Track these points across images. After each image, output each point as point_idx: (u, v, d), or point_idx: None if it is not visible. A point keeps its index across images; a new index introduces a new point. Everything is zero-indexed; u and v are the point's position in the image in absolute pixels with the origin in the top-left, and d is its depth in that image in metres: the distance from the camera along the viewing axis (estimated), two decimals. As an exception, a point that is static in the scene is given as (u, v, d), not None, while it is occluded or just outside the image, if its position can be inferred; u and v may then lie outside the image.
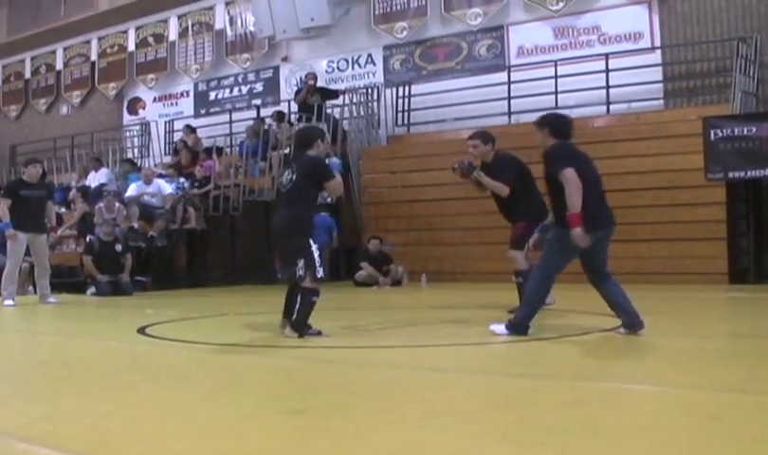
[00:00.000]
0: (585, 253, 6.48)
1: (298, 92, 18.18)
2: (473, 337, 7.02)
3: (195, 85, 21.73)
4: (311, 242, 6.87)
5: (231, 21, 20.92)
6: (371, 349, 6.55)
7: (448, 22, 17.74)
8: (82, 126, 23.08)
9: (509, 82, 16.11)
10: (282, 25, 18.21)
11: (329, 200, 14.41)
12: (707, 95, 14.68)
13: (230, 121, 19.92)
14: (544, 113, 7.22)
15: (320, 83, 18.22)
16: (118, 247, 13.36)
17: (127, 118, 23.05)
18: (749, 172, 12.67)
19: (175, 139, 20.21)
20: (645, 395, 4.42)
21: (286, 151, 16.52)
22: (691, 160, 12.98)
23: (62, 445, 3.43)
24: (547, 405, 4.20)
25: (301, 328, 6.76)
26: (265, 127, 18.00)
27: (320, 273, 6.84)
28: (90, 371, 5.69)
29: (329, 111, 17.48)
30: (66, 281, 13.71)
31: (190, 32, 21.66)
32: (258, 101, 20.23)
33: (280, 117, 17.89)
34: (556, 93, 15.33)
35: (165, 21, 22.16)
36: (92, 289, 13.21)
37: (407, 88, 17.56)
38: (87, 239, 13.76)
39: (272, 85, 20.35)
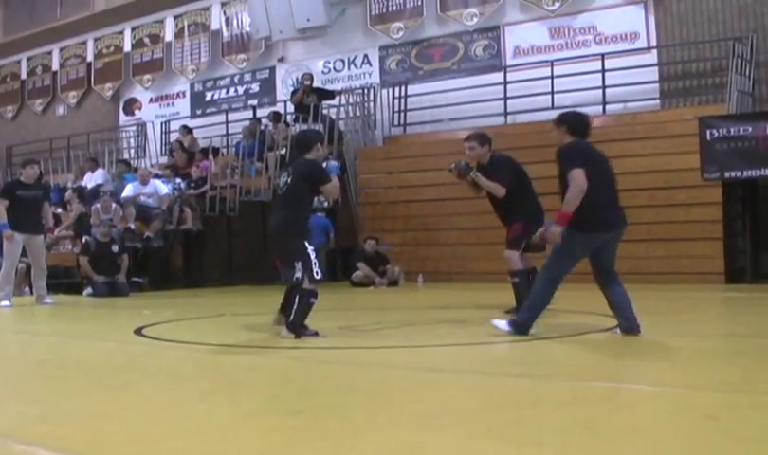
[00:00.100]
0: (595, 253, 6.48)
1: (294, 92, 18.18)
2: (470, 338, 7.03)
3: (192, 86, 21.71)
4: (306, 243, 6.89)
5: (227, 21, 20.90)
6: (368, 349, 6.55)
7: (444, 22, 17.74)
8: (78, 127, 23.04)
9: (505, 83, 16.11)
10: (278, 25, 18.19)
11: (326, 204, 14.42)
12: (703, 95, 14.70)
13: (227, 122, 19.89)
14: (563, 111, 7.18)
15: (316, 84, 18.22)
16: (115, 248, 13.35)
17: (123, 118, 23.01)
18: (745, 172, 12.69)
19: (172, 140, 20.17)
20: (642, 395, 4.42)
21: (283, 151, 16.54)
22: (687, 160, 12.99)
23: (59, 445, 3.43)
24: (545, 405, 4.21)
25: (298, 329, 6.76)
26: (262, 128, 18.01)
27: (318, 274, 6.87)
28: (87, 371, 5.69)
29: (325, 111, 17.47)
30: (63, 281, 13.69)
31: (186, 33, 21.63)
32: (254, 102, 20.20)
33: (276, 117, 17.89)
34: (552, 93, 15.33)
35: (161, 21, 22.13)
36: (88, 290, 13.20)
37: (403, 88, 17.55)
38: (83, 240, 13.74)
39: (268, 86, 20.34)
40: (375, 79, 18.38)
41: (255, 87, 20.57)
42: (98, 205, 14.62)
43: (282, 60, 20.11)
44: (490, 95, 16.18)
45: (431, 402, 4.30)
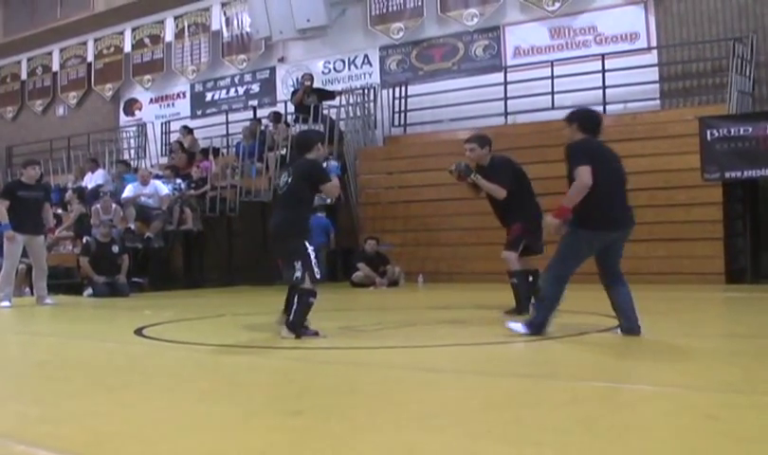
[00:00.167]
0: (601, 252, 6.46)
1: (294, 93, 18.19)
2: (471, 338, 7.04)
3: (192, 86, 21.72)
4: (306, 243, 6.90)
5: (228, 22, 20.91)
6: (368, 350, 6.55)
7: (444, 22, 17.74)
8: (78, 127, 23.05)
9: (505, 83, 16.12)
10: (278, 25, 18.20)
11: (328, 201, 14.42)
12: (704, 95, 14.70)
13: (227, 122, 19.91)
14: (574, 108, 7.18)
15: (316, 84, 18.23)
16: (115, 249, 13.35)
17: (123, 119, 23.02)
18: (745, 172, 12.69)
19: (172, 141, 20.18)
20: (642, 395, 4.42)
21: (283, 152, 16.54)
22: (688, 160, 13.00)
23: (59, 446, 3.43)
24: (545, 405, 4.21)
25: (298, 329, 6.77)
26: (262, 128, 18.01)
27: (318, 274, 6.89)
28: (87, 372, 5.69)
29: (326, 112, 17.48)
30: (63, 282, 13.69)
31: (186, 33, 21.63)
32: (254, 102, 20.20)
33: (276, 117, 17.89)
34: (552, 93, 15.34)
35: (161, 22, 22.14)
36: (89, 290, 13.20)
37: (403, 89, 17.56)
38: (84, 240, 13.74)
39: (269, 86, 20.35)
40: (376, 79, 18.39)
41: (255, 88, 20.58)
42: (98, 205, 14.63)
43: (282, 60, 20.12)
44: (490, 95, 16.19)
45: (432, 402, 4.30)
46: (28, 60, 25.26)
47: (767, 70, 14.16)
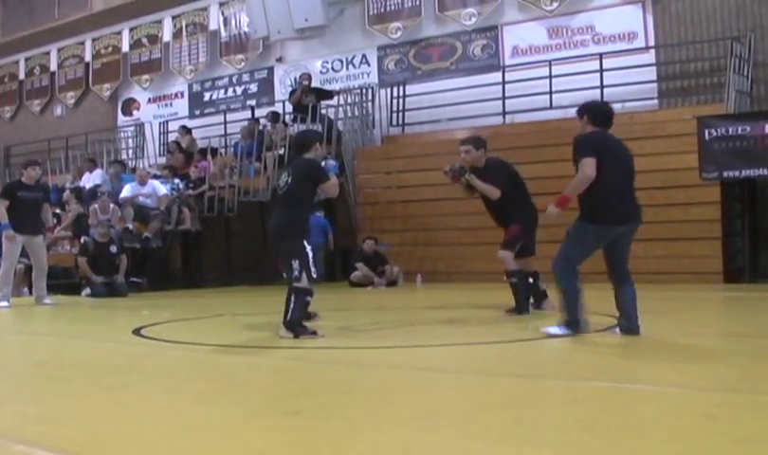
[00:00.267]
0: (608, 248, 6.44)
1: (292, 92, 18.19)
2: (469, 338, 7.04)
3: (190, 86, 21.71)
4: (305, 243, 6.93)
5: (226, 22, 20.91)
6: (367, 349, 6.55)
7: (442, 22, 17.75)
8: (76, 127, 23.04)
9: (504, 82, 16.13)
10: (276, 25, 18.20)
11: (323, 196, 14.42)
12: (702, 94, 14.70)
13: (225, 122, 19.89)
14: (585, 101, 7.17)
15: (314, 84, 18.23)
16: (113, 249, 13.34)
17: (121, 119, 23.02)
18: (743, 172, 12.70)
19: (170, 140, 20.18)
20: (641, 395, 4.43)
21: (281, 151, 16.54)
22: (686, 160, 13.00)
23: (58, 446, 3.42)
24: (544, 404, 4.21)
25: (296, 328, 6.79)
26: (260, 128, 18.01)
27: (315, 274, 6.95)
28: (86, 372, 5.69)
29: (324, 111, 17.48)
30: (61, 282, 13.69)
31: (184, 33, 21.63)
32: (252, 102, 20.21)
33: (274, 117, 17.89)
34: (550, 93, 15.36)
35: (159, 22, 22.14)
36: (87, 290, 13.20)
37: (401, 88, 17.56)
38: (82, 240, 13.75)
39: (267, 86, 20.35)
40: (374, 79, 18.39)
41: (253, 87, 20.58)
42: (96, 205, 14.62)
43: (280, 60, 20.12)
44: (488, 95, 16.20)
45: (430, 402, 4.30)
46: (26, 60, 25.26)
47: (765, 70, 14.17)
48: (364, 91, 17.82)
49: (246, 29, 20.21)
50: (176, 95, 22.01)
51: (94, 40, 23.45)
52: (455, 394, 4.58)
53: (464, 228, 14.59)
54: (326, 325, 7.54)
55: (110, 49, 23.15)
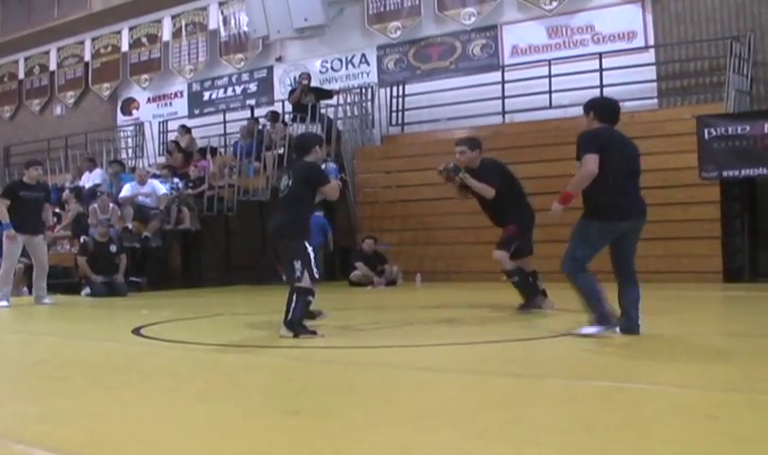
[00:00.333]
0: (614, 245, 6.41)
1: (292, 92, 18.18)
2: (468, 337, 7.03)
3: (189, 86, 21.70)
4: (306, 244, 6.97)
5: (225, 21, 20.89)
6: (366, 349, 6.55)
7: (441, 21, 17.74)
8: (75, 127, 23.04)
9: (503, 82, 16.12)
10: (275, 25, 18.20)
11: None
12: (701, 94, 14.70)
13: (224, 121, 19.87)
14: (591, 98, 7.13)
15: (313, 83, 18.22)
16: (113, 248, 13.35)
17: (121, 118, 23.01)
18: (743, 171, 12.70)
19: (170, 140, 20.18)
20: (641, 394, 4.42)
21: (280, 151, 16.54)
22: (685, 159, 13.00)
23: (57, 445, 3.42)
24: (543, 404, 4.21)
25: (297, 328, 6.80)
26: (260, 127, 18.00)
27: (316, 274, 6.98)
28: (85, 371, 5.69)
29: (323, 111, 17.47)
30: (61, 282, 13.68)
31: (183, 32, 21.63)
32: (252, 101, 20.20)
33: (274, 117, 17.88)
34: (550, 92, 15.35)
35: (159, 21, 22.13)
36: (86, 290, 13.20)
37: (401, 88, 17.55)
38: (81, 240, 13.75)
39: (266, 85, 20.34)
40: (373, 78, 18.39)
41: (253, 87, 20.57)
42: (95, 205, 14.63)
43: (279, 59, 20.11)
44: (488, 94, 16.20)
45: (429, 401, 4.30)
46: (26, 59, 25.25)
47: (765, 69, 14.17)
48: (364, 90, 17.82)
49: (245, 29, 20.20)
50: (176, 94, 22.00)
51: (93, 39, 23.44)
52: (454, 394, 4.58)
53: (463, 228, 14.58)
54: (326, 325, 7.54)
55: (109, 49, 23.15)
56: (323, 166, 9.22)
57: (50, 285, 12.10)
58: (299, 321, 6.85)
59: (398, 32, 18.15)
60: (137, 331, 7.72)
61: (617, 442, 3.35)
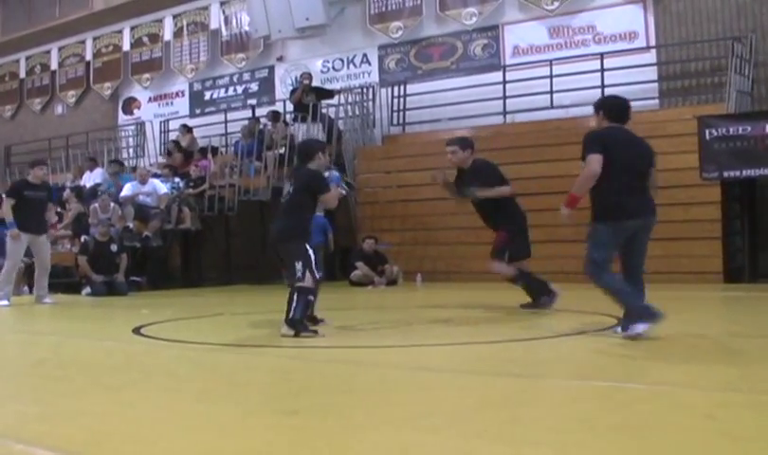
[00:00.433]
0: (625, 245, 6.37)
1: (293, 92, 18.18)
2: (468, 337, 7.03)
3: (190, 85, 21.71)
4: (306, 245, 7.06)
5: (226, 21, 20.90)
6: (366, 349, 6.55)
7: (443, 21, 17.74)
8: (77, 126, 23.04)
9: (504, 82, 16.11)
10: (277, 24, 18.20)
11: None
12: (702, 94, 14.69)
13: (225, 121, 19.87)
14: (601, 97, 7.11)
15: (315, 83, 18.22)
16: (114, 247, 13.35)
17: (122, 117, 23.02)
18: (744, 172, 12.70)
19: (171, 139, 20.19)
20: (640, 394, 4.42)
21: (281, 150, 16.54)
22: (686, 159, 12.99)
23: (57, 445, 3.43)
24: (542, 404, 4.21)
25: (298, 326, 6.85)
26: (261, 127, 18.00)
27: (317, 274, 7.08)
28: (86, 371, 5.69)
29: (324, 111, 17.48)
30: (61, 281, 13.68)
31: (185, 32, 21.63)
32: (253, 101, 20.20)
33: (275, 116, 17.88)
34: (551, 92, 15.35)
35: (160, 21, 22.13)
36: (87, 289, 13.20)
37: (402, 88, 17.55)
38: (82, 239, 13.75)
39: (267, 85, 20.35)
40: (374, 78, 18.39)
41: (254, 86, 20.58)
42: (96, 204, 14.63)
43: (280, 59, 20.11)
44: (489, 94, 16.19)
45: (428, 401, 4.30)
46: (27, 58, 25.26)
47: (766, 70, 14.16)
48: (365, 90, 17.81)
49: (246, 28, 20.20)
50: (177, 94, 22.01)
51: (95, 39, 23.45)
52: (453, 394, 4.58)
53: (463, 228, 14.54)
54: (326, 325, 7.55)
55: (111, 48, 23.15)
56: (327, 173, 9.27)
57: (51, 285, 12.10)
58: (300, 320, 6.89)
59: (399, 32, 18.15)
60: (137, 330, 7.73)
61: (617, 442, 3.35)
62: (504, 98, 16.03)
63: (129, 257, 13.71)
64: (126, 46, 22.77)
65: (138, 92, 22.74)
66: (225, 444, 3.42)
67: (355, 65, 18.88)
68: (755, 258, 13.20)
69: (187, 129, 19.56)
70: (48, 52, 24.64)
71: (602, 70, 15.02)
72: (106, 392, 4.73)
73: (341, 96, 17.63)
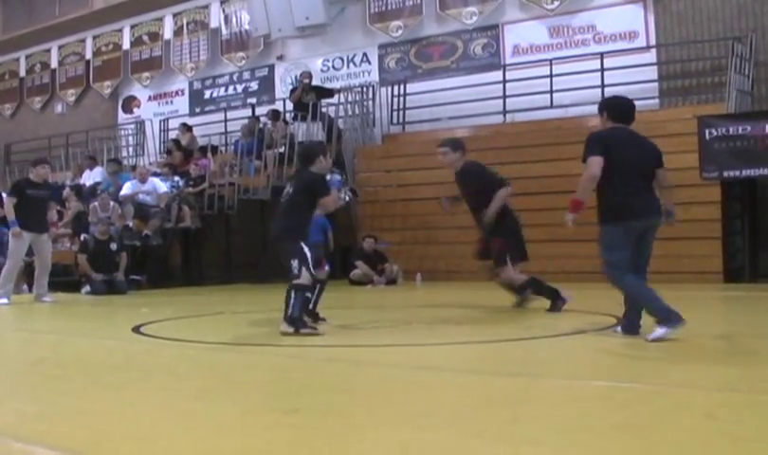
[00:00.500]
0: (637, 243, 6.34)
1: (293, 91, 18.17)
2: (467, 337, 7.03)
3: (190, 84, 21.69)
4: (302, 244, 7.08)
5: (227, 19, 20.88)
6: (365, 348, 6.55)
7: (443, 21, 17.73)
8: (76, 125, 23.02)
9: (504, 81, 16.10)
10: (277, 23, 18.19)
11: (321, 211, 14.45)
12: (702, 94, 14.68)
13: (225, 120, 19.86)
14: (605, 98, 7.07)
15: (315, 82, 18.21)
16: (113, 246, 13.35)
17: (122, 116, 23.00)
18: (744, 172, 12.69)
19: (171, 138, 20.18)
20: (640, 394, 4.42)
21: (281, 149, 16.54)
22: (686, 159, 12.97)
23: (57, 444, 3.42)
24: (542, 403, 4.21)
25: (297, 322, 6.88)
26: (260, 126, 18.00)
27: (313, 271, 7.07)
28: (85, 369, 5.69)
29: (324, 110, 17.46)
30: (61, 279, 13.67)
31: (185, 31, 21.61)
32: (253, 100, 20.20)
33: (275, 115, 17.87)
34: (551, 92, 15.34)
35: (160, 19, 22.12)
36: (87, 288, 13.20)
37: (402, 87, 17.54)
38: (82, 237, 13.75)
39: (267, 84, 20.34)
40: (374, 77, 18.37)
41: (254, 85, 20.56)
42: (96, 203, 14.63)
43: (281, 58, 20.10)
44: (489, 93, 16.17)
45: (428, 401, 4.30)
46: (27, 57, 25.24)
47: (766, 69, 14.16)
48: (365, 89, 17.81)
49: (246, 27, 20.19)
50: (177, 92, 21.99)
51: (95, 37, 23.43)
52: (453, 393, 4.57)
53: (464, 227, 14.47)
54: (325, 323, 7.55)
55: (111, 47, 23.14)
56: (328, 177, 9.28)
57: (50, 283, 12.10)
58: (299, 317, 6.93)
59: (400, 31, 18.14)
60: (136, 329, 7.72)
61: (617, 441, 3.35)
62: (504, 97, 16.02)
63: (129, 255, 13.71)
64: (126, 45, 22.76)
65: (138, 91, 22.73)
66: (224, 442, 3.42)
67: (355, 64, 18.87)
68: (755, 258, 13.20)
69: (187, 128, 19.55)
70: (48, 51, 24.63)
71: (602, 70, 15.01)
72: (106, 391, 4.73)
73: (341, 95, 17.62)
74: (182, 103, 21.79)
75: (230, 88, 20.97)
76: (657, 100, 15.04)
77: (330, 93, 17.83)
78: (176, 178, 16.31)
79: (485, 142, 15.01)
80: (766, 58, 14.12)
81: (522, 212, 13.18)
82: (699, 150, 12.86)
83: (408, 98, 17.45)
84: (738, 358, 5.56)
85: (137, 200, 15.17)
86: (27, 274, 12.68)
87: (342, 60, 19.05)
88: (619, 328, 6.51)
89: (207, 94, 21.37)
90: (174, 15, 21.79)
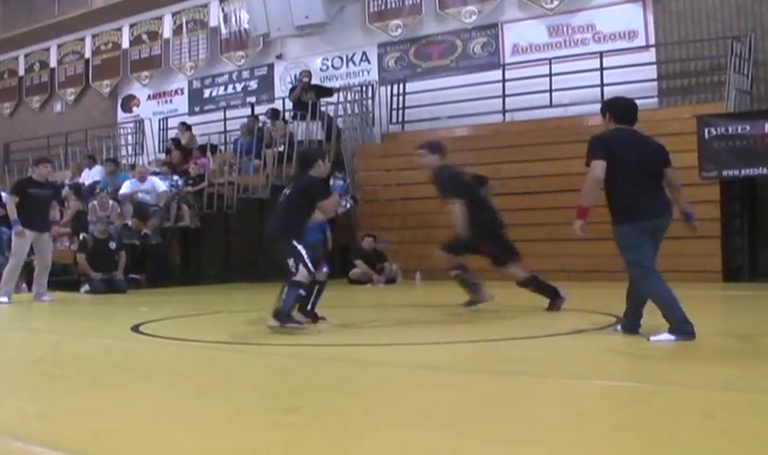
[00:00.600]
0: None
1: (292, 90, 18.17)
2: (466, 336, 7.03)
3: (190, 83, 21.68)
4: (295, 243, 7.14)
5: (226, 18, 20.87)
6: (364, 347, 6.55)
7: (442, 20, 17.73)
8: (76, 124, 23.02)
9: (504, 80, 16.10)
10: (276, 22, 18.18)
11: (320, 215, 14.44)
12: (702, 93, 14.68)
13: (225, 119, 19.86)
14: (607, 99, 7.06)
15: (314, 81, 18.21)
16: (112, 245, 13.35)
17: (121, 115, 22.99)
18: (743, 171, 12.69)
19: (170, 137, 20.18)
20: (638, 393, 4.42)
21: (280, 148, 16.53)
22: (685, 158, 12.94)
23: (56, 443, 3.42)
24: (540, 403, 4.21)
25: (283, 318, 6.94)
26: (260, 125, 18.00)
27: (311, 270, 7.13)
28: (84, 368, 5.69)
29: (323, 109, 17.47)
30: (60, 278, 13.66)
31: (184, 30, 21.60)
32: (252, 99, 20.20)
33: (274, 114, 17.87)
34: (550, 91, 15.34)
35: (159, 18, 22.10)
36: (86, 287, 13.19)
37: (401, 86, 17.53)
38: (81, 237, 13.74)
39: (267, 83, 20.33)
40: (374, 76, 18.37)
41: (253, 84, 20.56)
42: (95, 202, 14.62)
43: (280, 57, 20.09)
44: (488, 92, 16.17)
45: (427, 400, 4.30)
46: (26, 56, 25.22)
47: (765, 69, 14.16)
48: (364, 88, 17.80)
49: (246, 26, 20.17)
50: (176, 91, 21.98)
51: (94, 36, 23.41)
52: (452, 392, 4.58)
53: (463, 227, 14.56)
54: (325, 323, 7.55)
55: (110, 46, 23.12)
56: (332, 181, 9.31)
57: (49, 282, 12.09)
58: (287, 312, 7.01)
59: (399, 30, 18.13)
60: (136, 328, 7.72)
61: (615, 441, 3.35)
62: (504, 96, 16.01)
63: (128, 254, 13.71)
64: (125, 44, 22.74)
65: (138, 90, 22.72)
66: (224, 441, 3.42)
67: (354, 63, 18.87)
68: (754, 257, 13.20)
69: (186, 127, 19.55)
70: (48, 49, 24.61)
71: (601, 69, 15.02)
72: (105, 390, 4.73)
73: (341, 94, 17.62)
74: (181, 102, 21.78)
75: (230, 87, 20.96)
76: (656, 100, 15.04)
77: (329, 92, 17.83)
78: (176, 177, 16.30)
79: (485, 141, 15.03)
80: (765, 57, 14.12)
81: (522, 211, 13.25)
82: (698, 149, 12.86)
83: (407, 97, 17.44)
84: (737, 358, 5.56)
85: (137, 199, 15.16)
86: (27, 273, 12.66)
87: (342, 59, 19.05)
88: (619, 327, 6.51)
89: (206, 93, 21.37)
90: (174, 14, 21.78)
